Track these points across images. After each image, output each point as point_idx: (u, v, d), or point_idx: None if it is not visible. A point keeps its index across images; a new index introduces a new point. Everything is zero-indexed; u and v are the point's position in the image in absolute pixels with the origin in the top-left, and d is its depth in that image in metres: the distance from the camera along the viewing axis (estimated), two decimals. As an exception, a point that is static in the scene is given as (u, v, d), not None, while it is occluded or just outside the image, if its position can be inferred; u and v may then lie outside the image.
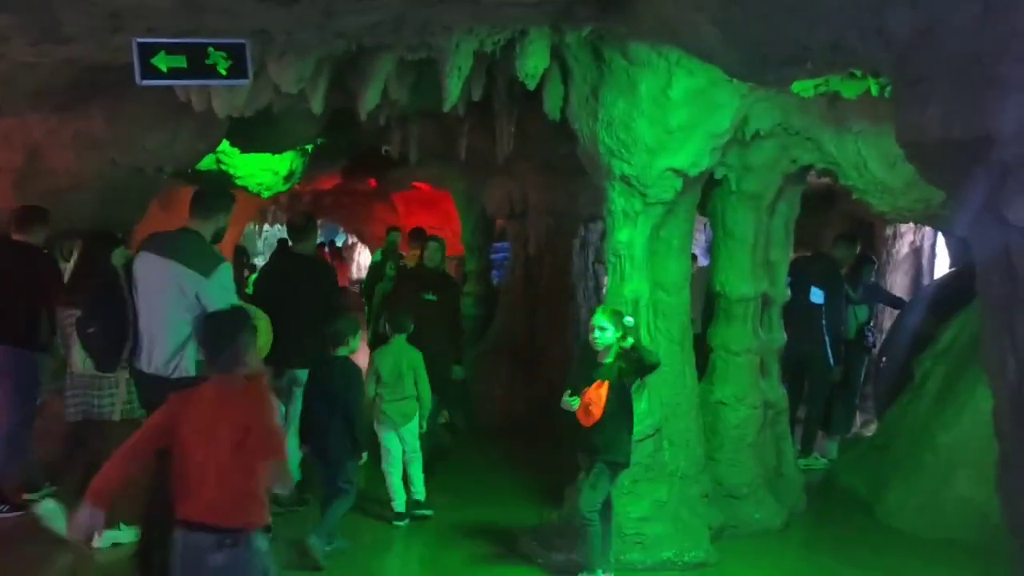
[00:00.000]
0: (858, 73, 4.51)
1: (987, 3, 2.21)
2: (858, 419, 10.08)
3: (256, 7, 4.21)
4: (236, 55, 4.65)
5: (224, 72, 4.68)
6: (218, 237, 5.23)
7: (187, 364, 4.91)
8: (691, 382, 6.67)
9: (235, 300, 4.95)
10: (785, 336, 7.41)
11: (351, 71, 5.82)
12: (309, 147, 11.25)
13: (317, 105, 5.86)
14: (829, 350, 8.65)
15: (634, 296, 6.20)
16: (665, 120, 5.76)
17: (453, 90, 5.44)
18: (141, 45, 4.49)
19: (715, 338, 7.04)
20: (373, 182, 14.93)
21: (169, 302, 4.93)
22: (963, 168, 2.33)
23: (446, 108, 5.65)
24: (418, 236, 10.34)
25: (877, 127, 6.05)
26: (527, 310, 10.77)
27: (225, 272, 5.01)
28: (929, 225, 8.95)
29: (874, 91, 4.80)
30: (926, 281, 13.15)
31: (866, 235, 11.42)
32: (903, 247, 12.80)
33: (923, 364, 7.67)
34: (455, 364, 8.25)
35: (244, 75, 4.72)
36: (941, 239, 12.76)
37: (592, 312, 5.95)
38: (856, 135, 6.21)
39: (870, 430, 9.61)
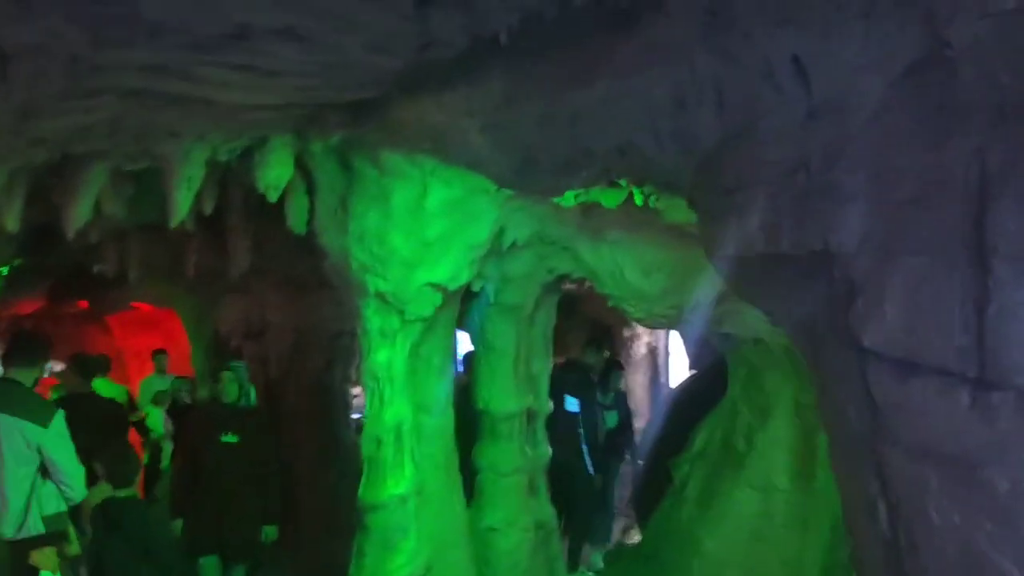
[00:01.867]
0: (623, 183, 4.38)
1: (811, 106, 2.02)
2: (617, 526, 10.01)
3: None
4: None
5: None
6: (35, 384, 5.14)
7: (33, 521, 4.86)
8: (460, 509, 6.18)
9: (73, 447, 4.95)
10: (551, 450, 7.14)
11: (55, 182, 4.96)
12: (3, 269, 9.79)
13: (12, 222, 4.91)
14: (588, 459, 8.52)
15: (396, 421, 5.68)
16: (421, 232, 5.38)
17: (182, 204, 4.74)
18: None
19: (482, 458, 6.63)
20: (84, 303, 13.37)
21: (9, 457, 4.82)
22: (793, 286, 2.09)
23: (173, 224, 4.92)
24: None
25: (632, 235, 6.04)
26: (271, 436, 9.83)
27: (60, 419, 4.96)
28: (676, 330, 9.17)
29: (638, 200, 4.72)
30: (663, 381, 13.69)
31: (606, 337, 11.66)
32: (640, 348, 13.28)
33: (680, 468, 7.69)
34: (266, 525, 6.59)
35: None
36: (675, 340, 13.37)
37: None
38: (612, 244, 6.16)
39: (631, 537, 9.54)
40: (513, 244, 6.16)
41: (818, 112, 1.99)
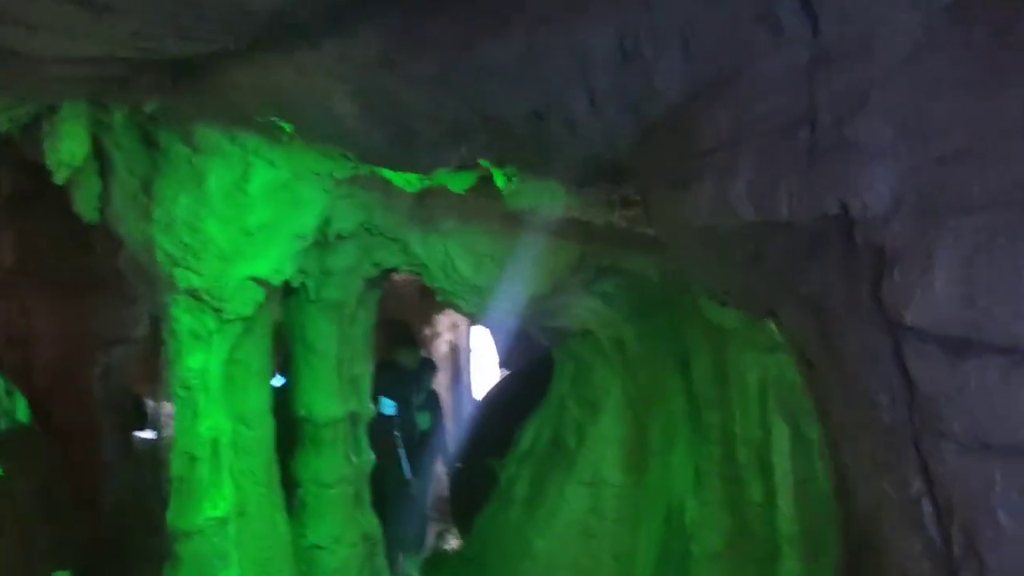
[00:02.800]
0: (484, 163, 4.01)
1: (817, 48, 1.76)
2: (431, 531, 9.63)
3: None
4: None
5: None
6: None
7: None
8: (283, 529, 5.58)
9: None
10: (374, 456, 6.67)
11: None
12: None
13: None
14: (405, 463, 8.10)
15: (213, 435, 5.03)
16: (242, 219, 4.77)
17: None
18: None
19: (304, 470, 6.05)
20: None
21: None
22: (792, 259, 1.83)
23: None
24: None
25: (466, 224, 5.70)
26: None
27: None
28: (500, 326, 8.81)
29: (499, 182, 4.37)
30: (465, 380, 13.46)
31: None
32: (442, 346, 12.97)
33: (507, 468, 7.44)
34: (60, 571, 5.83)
35: None
36: (477, 337, 13.19)
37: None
38: (444, 234, 5.79)
39: (447, 542, 9.20)
40: (338, 235, 5.65)
41: (828, 56, 1.74)
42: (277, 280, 5.14)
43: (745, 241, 1.91)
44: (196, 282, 4.82)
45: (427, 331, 12.53)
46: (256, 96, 3.45)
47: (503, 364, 10.78)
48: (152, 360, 9.80)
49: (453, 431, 10.61)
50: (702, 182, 1.94)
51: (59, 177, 4.43)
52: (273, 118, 3.60)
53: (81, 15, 2.45)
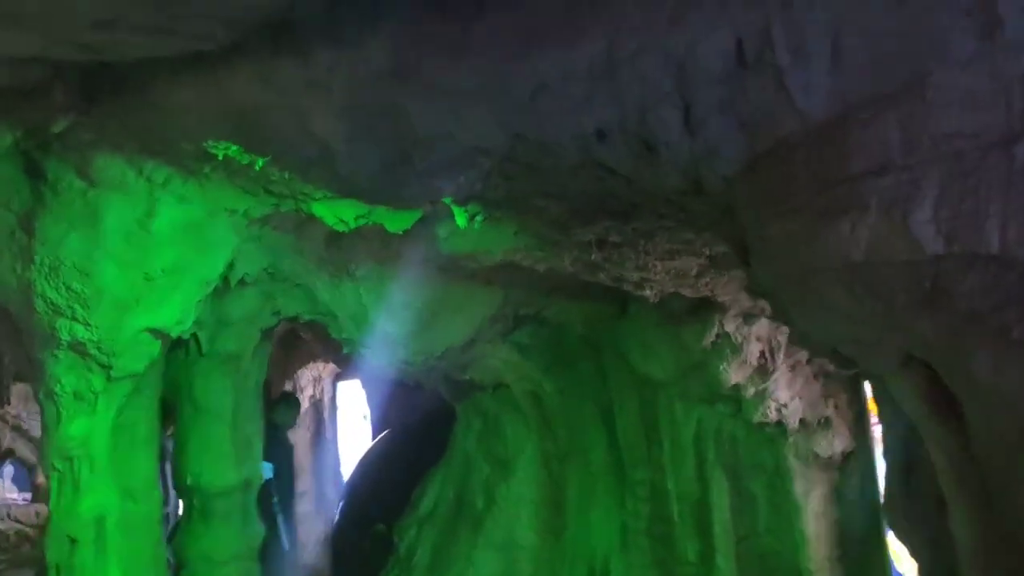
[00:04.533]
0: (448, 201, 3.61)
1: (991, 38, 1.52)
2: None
3: None
4: None
5: None
6: None
7: None
8: (172, 618, 4.87)
9: None
10: (263, 527, 6.00)
11: None
12: None
13: None
14: (283, 533, 7.40)
15: (97, 513, 4.34)
16: (144, 263, 4.17)
17: None
18: None
19: (191, 547, 5.34)
20: None
21: None
22: (997, 296, 1.58)
23: None
24: None
25: (382, 268, 5.24)
26: None
27: None
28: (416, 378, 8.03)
29: (461, 222, 3.96)
30: (328, 436, 12.72)
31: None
32: (303, 401, 12.21)
33: (406, 532, 6.92)
34: None
35: None
36: (343, 392, 12.52)
37: None
38: (357, 280, 5.30)
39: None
40: (241, 281, 5.07)
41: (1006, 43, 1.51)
42: (177, 331, 4.55)
43: (918, 279, 1.65)
44: (82, 335, 4.16)
45: (288, 385, 11.78)
46: (205, 115, 2.95)
47: (378, 420, 10.20)
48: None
49: (318, 491, 9.95)
50: (863, 211, 1.67)
51: (-78, 209, 3.70)
52: (222, 141, 3.09)
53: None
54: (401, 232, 4.29)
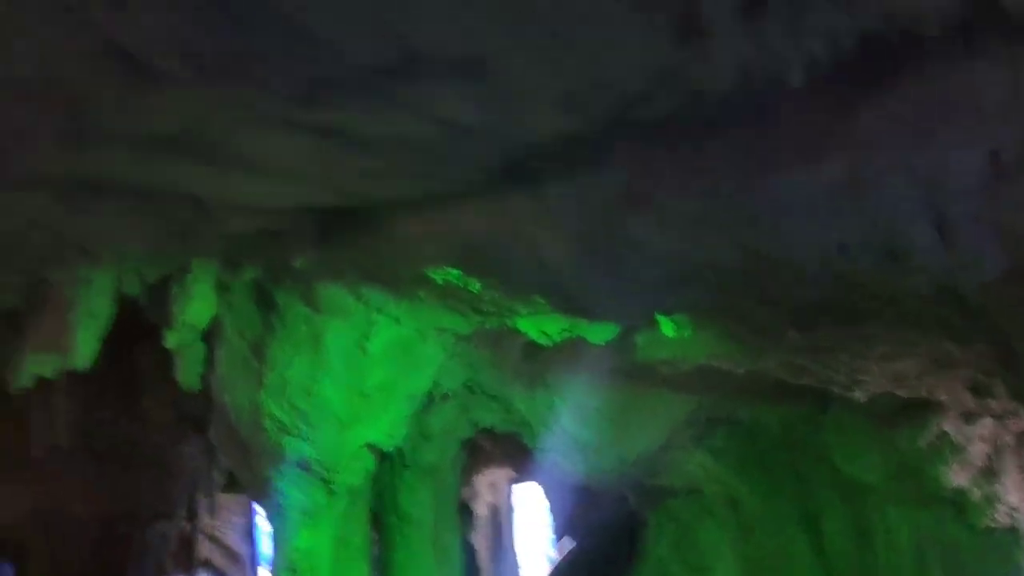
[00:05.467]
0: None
1: None
2: None
3: None
4: None
5: None
6: None
7: None
8: None
9: None
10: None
11: None
12: None
13: None
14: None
15: (320, 622, 4.50)
16: (361, 381, 4.43)
17: (85, 345, 3.50)
18: None
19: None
20: None
21: None
22: None
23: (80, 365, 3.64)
24: None
25: (577, 377, 5.34)
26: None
27: None
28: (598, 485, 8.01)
29: (667, 331, 4.04)
30: (507, 543, 12.73)
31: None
32: (482, 508, 12.32)
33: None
34: None
35: None
36: (520, 498, 12.55)
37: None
38: (550, 388, 5.42)
39: None
40: (442, 395, 5.28)
41: None
42: (389, 445, 4.77)
43: None
44: (308, 451, 4.43)
45: (465, 491, 11.93)
46: (432, 245, 3.17)
47: (560, 526, 10.14)
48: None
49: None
50: None
51: (172, 341, 4.09)
52: (445, 268, 3.30)
53: (329, 151, 2.18)
54: (603, 343, 4.39)
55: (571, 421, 5.55)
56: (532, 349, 5.11)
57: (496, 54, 1.76)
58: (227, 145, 2.21)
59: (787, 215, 2.19)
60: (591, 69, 1.88)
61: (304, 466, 4.47)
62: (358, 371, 4.41)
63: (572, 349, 4.98)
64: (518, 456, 6.20)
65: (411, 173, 2.44)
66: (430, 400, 5.22)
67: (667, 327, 3.94)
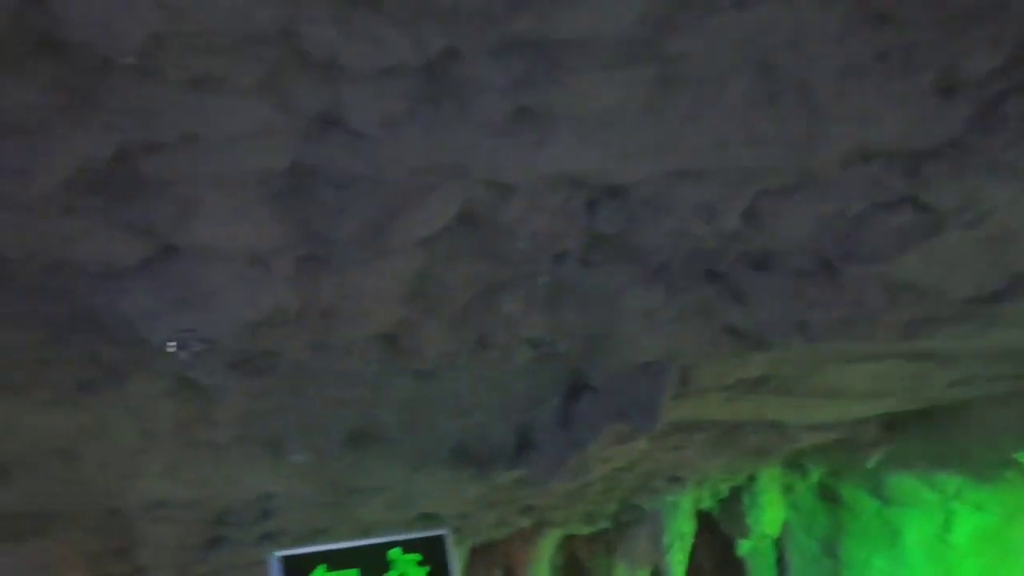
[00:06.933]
0: None
1: None
2: None
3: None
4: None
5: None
6: None
7: None
8: None
9: None
10: None
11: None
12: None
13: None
14: None
15: None
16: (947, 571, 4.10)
17: (676, 569, 3.74)
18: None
19: None
20: None
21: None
22: None
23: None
24: None
25: None
26: None
27: None
28: None
29: None
30: None
31: None
32: None
33: None
34: None
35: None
36: None
37: None
38: None
39: None
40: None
41: None
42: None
43: None
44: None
45: None
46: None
47: None
48: None
49: None
50: None
51: (745, 548, 4.18)
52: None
53: (920, 372, 2.16)
54: None
55: None
56: None
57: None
58: (809, 379, 2.29)
59: None
60: None
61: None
62: (942, 566, 4.10)
63: None
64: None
65: (1002, 376, 2.30)
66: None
67: None
